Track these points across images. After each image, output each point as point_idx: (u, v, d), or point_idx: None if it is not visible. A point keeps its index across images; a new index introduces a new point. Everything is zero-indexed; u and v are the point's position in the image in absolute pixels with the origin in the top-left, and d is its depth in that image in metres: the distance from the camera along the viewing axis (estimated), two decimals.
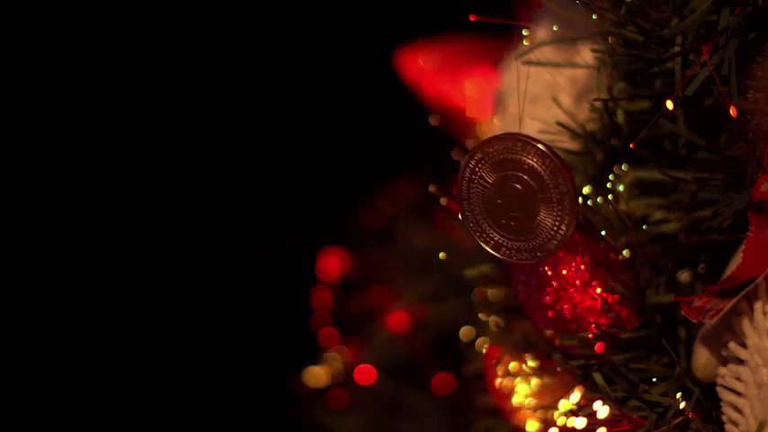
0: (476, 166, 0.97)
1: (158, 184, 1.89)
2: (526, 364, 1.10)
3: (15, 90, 1.85)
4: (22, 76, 1.86)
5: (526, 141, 0.95)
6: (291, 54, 1.88)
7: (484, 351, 1.19)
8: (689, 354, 1.02)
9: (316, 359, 1.58)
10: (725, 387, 0.97)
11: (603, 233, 1.04)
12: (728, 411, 0.96)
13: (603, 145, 1.07)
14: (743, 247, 0.96)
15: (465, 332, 1.33)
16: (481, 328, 1.20)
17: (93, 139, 1.87)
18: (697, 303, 0.95)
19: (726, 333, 0.97)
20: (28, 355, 1.86)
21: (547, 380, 1.10)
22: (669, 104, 0.96)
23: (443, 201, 1.14)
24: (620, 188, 1.05)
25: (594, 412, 1.00)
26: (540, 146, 0.94)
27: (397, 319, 1.52)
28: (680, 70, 0.96)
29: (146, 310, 1.87)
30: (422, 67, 1.47)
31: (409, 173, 1.55)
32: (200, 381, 1.86)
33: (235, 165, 1.89)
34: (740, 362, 0.95)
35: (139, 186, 1.89)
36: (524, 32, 1.07)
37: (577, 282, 1.03)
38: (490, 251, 0.98)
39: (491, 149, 0.96)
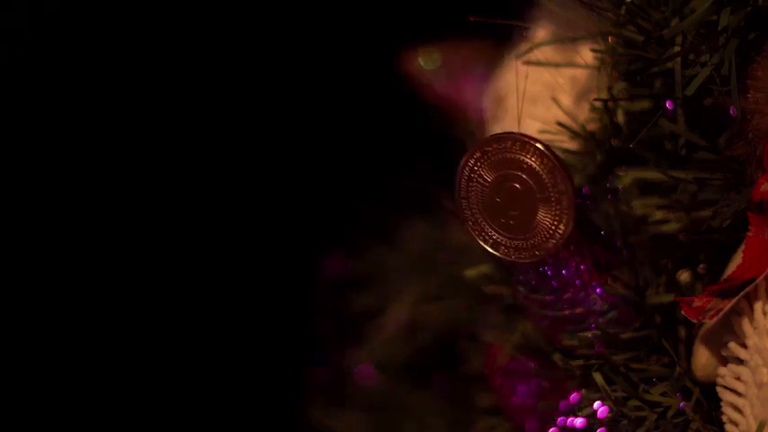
0: (475, 164, 0.97)
1: (158, 183, 1.89)
2: (526, 364, 1.10)
3: (15, 90, 1.85)
4: (21, 76, 1.86)
5: (525, 141, 0.95)
6: (292, 54, 1.88)
7: (484, 351, 1.19)
8: (689, 354, 1.02)
9: (315, 359, 1.58)
10: (725, 387, 0.97)
11: (603, 233, 1.04)
12: (728, 411, 0.96)
13: (603, 145, 1.07)
14: (743, 247, 0.96)
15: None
16: (481, 328, 1.20)
17: (92, 138, 1.87)
18: (697, 303, 0.95)
19: (726, 333, 0.97)
20: (28, 355, 1.86)
21: (547, 380, 1.10)
22: (669, 104, 0.96)
23: (443, 201, 1.14)
24: (620, 188, 1.05)
25: (594, 412, 1.00)
26: (538, 145, 0.95)
27: (397, 319, 1.52)
28: (680, 70, 0.96)
29: (146, 309, 1.87)
30: (423, 66, 1.47)
31: (409, 173, 1.55)
32: (199, 381, 1.86)
33: (235, 164, 1.89)
34: (740, 362, 0.95)
35: (139, 186, 1.89)
36: (524, 32, 1.07)
37: (577, 282, 1.03)
38: (489, 250, 0.98)
39: (490, 148, 0.96)
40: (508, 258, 0.98)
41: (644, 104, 1.04)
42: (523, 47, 1.08)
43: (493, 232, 0.98)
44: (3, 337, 1.84)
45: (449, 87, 1.46)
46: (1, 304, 1.84)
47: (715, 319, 0.94)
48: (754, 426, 0.94)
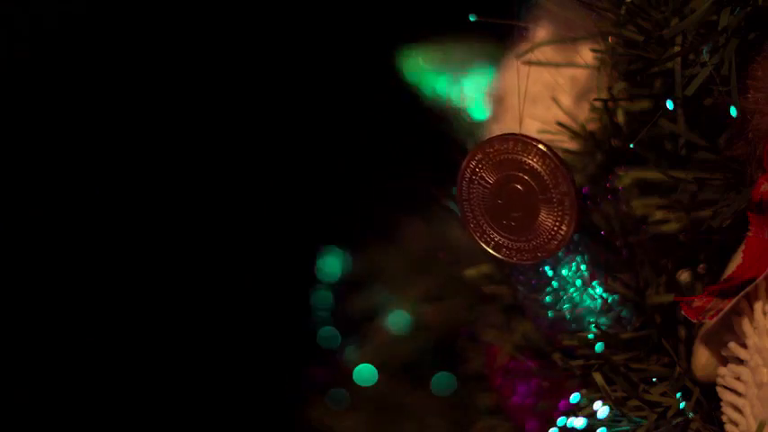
0: (476, 166, 0.97)
1: (159, 184, 1.89)
2: (526, 364, 1.10)
3: (15, 90, 1.85)
4: (22, 76, 1.86)
5: (526, 142, 0.95)
6: (292, 54, 1.88)
7: (484, 351, 1.19)
8: (689, 354, 1.02)
9: (315, 359, 1.58)
10: (725, 387, 0.97)
11: (603, 233, 1.04)
12: (728, 411, 0.96)
13: (603, 145, 1.07)
14: (743, 247, 0.96)
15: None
16: (481, 328, 1.20)
17: (92, 138, 1.87)
18: (697, 303, 0.95)
19: (726, 333, 0.97)
20: (28, 355, 1.86)
21: (547, 380, 1.10)
22: (669, 104, 0.96)
23: (444, 201, 1.14)
24: (620, 188, 1.05)
25: (594, 412, 1.00)
26: (540, 146, 0.95)
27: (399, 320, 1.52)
28: (680, 70, 0.96)
29: (146, 310, 1.87)
30: (423, 66, 1.47)
31: (409, 173, 1.55)
32: (199, 381, 1.86)
33: (235, 164, 1.89)
34: (740, 362, 0.95)
35: (139, 187, 1.89)
36: (524, 32, 1.07)
37: (577, 282, 1.03)
38: (491, 252, 0.98)
39: (491, 150, 0.96)
40: (510, 260, 0.98)
41: (644, 104, 1.04)
42: (523, 47, 1.07)
43: (494, 234, 0.98)
44: (3, 337, 1.84)
45: (449, 88, 1.46)
46: (1, 304, 1.84)
47: (715, 319, 0.94)
48: (754, 426, 0.94)
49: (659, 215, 1.04)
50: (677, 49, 0.96)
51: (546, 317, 1.04)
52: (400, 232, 1.53)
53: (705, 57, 0.94)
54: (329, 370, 1.57)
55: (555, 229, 0.96)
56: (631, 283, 1.03)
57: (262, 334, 1.84)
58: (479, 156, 0.96)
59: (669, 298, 1.02)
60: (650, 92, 1.03)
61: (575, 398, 1.03)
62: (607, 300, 1.02)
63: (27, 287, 1.86)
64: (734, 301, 0.93)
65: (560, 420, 1.02)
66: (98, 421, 1.86)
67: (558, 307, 1.03)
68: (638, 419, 0.99)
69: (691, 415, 0.99)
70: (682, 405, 0.99)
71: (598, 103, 1.05)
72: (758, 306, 0.94)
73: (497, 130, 1.21)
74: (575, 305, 1.03)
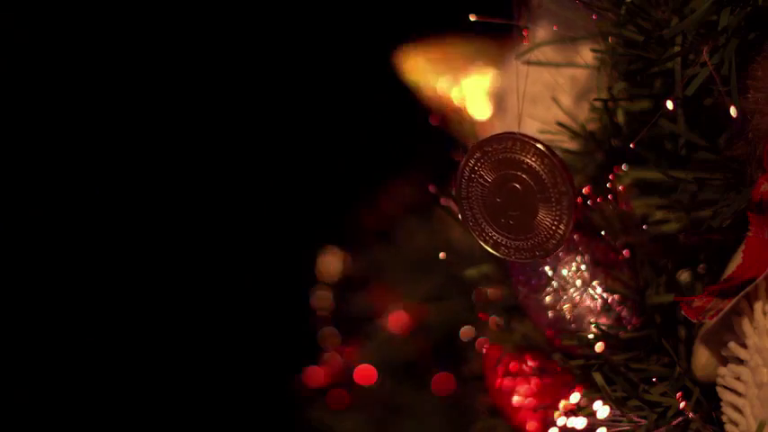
0: (475, 165, 0.97)
1: (159, 184, 1.89)
2: (526, 364, 1.10)
3: (15, 90, 1.85)
4: (22, 76, 1.86)
5: (525, 141, 0.95)
6: (292, 54, 1.88)
7: (484, 351, 1.19)
8: (689, 354, 1.02)
9: (316, 359, 1.58)
10: (725, 387, 0.97)
11: (603, 233, 1.04)
12: (728, 411, 0.96)
13: (603, 145, 1.07)
14: (743, 247, 0.96)
15: (465, 332, 1.34)
16: (481, 328, 1.20)
17: (92, 138, 1.87)
18: (697, 303, 0.95)
19: (726, 333, 0.97)
20: (29, 355, 1.86)
21: (547, 380, 1.10)
22: (669, 104, 0.96)
23: (443, 201, 1.14)
24: (620, 188, 1.05)
25: (594, 412, 1.00)
26: (539, 146, 0.95)
27: (397, 319, 1.52)
28: (680, 70, 0.96)
29: (146, 310, 1.87)
30: (422, 66, 1.47)
31: (409, 173, 1.55)
32: (200, 381, 1.86)
33: (235, 165, 1.89)
34: (740, 362, 0.95)
35: (139, 187, 1.89)
36: (524, 32, 1.07)
37: (577, 282, 1.03)
38: (489, 250, 0.98)
39: (490, 149, 0.96)
40: (509, 258, 0.98)
41: (644, 104, 1.04)
42: (523, 47, 1.07)
43: (493, 232, 0.98)
44: (3, 337, 1.84)
45: (449, 88, 1.46)
46: (1, 304, 1.84)
47: (715, 319, 0.94)
48: (754, 426, 0.94)
49: (659, 215, 1.04)
50: (677, 49, 0.96)
51: (546, 317, 1.04)
52: (400, 232, 1.53)
53: (705, 57, 0.94)
54: (329, 370, 1.57)
55: (553, 228, 0.96)
56: (631, 283, 1.03)
57: (261, 334, 1.84)
58: (478, 154, 0.97)
59: (669, 298, 1.02)
60: (650, 92, 1.03)
61: (575, 398, 1.03)
62: (607, 300, 1.02)
63: (27, 287, 1.86)
64: (734, 301, 0.93)
65: (560, 420, 1.02)
66: (98, 421, 1.86)
67: (557, 307, 1.03)
68: (638, 419, 0.99)
69: (691, 415, 0.99)
70: (682, 405, 0.99)
71: (598, 103, 1.05)
72: (758, 306, 0.94)
73: (498, 129, 1.21)
74: (575, 305, 1.03)
